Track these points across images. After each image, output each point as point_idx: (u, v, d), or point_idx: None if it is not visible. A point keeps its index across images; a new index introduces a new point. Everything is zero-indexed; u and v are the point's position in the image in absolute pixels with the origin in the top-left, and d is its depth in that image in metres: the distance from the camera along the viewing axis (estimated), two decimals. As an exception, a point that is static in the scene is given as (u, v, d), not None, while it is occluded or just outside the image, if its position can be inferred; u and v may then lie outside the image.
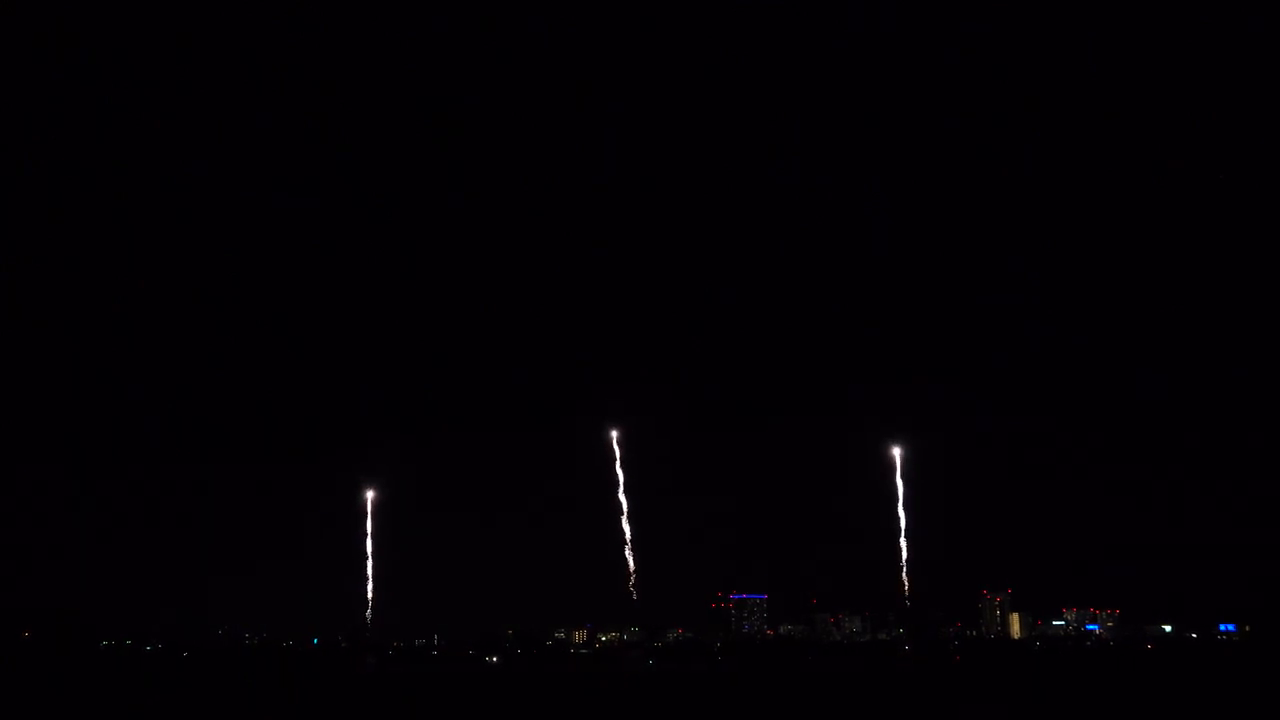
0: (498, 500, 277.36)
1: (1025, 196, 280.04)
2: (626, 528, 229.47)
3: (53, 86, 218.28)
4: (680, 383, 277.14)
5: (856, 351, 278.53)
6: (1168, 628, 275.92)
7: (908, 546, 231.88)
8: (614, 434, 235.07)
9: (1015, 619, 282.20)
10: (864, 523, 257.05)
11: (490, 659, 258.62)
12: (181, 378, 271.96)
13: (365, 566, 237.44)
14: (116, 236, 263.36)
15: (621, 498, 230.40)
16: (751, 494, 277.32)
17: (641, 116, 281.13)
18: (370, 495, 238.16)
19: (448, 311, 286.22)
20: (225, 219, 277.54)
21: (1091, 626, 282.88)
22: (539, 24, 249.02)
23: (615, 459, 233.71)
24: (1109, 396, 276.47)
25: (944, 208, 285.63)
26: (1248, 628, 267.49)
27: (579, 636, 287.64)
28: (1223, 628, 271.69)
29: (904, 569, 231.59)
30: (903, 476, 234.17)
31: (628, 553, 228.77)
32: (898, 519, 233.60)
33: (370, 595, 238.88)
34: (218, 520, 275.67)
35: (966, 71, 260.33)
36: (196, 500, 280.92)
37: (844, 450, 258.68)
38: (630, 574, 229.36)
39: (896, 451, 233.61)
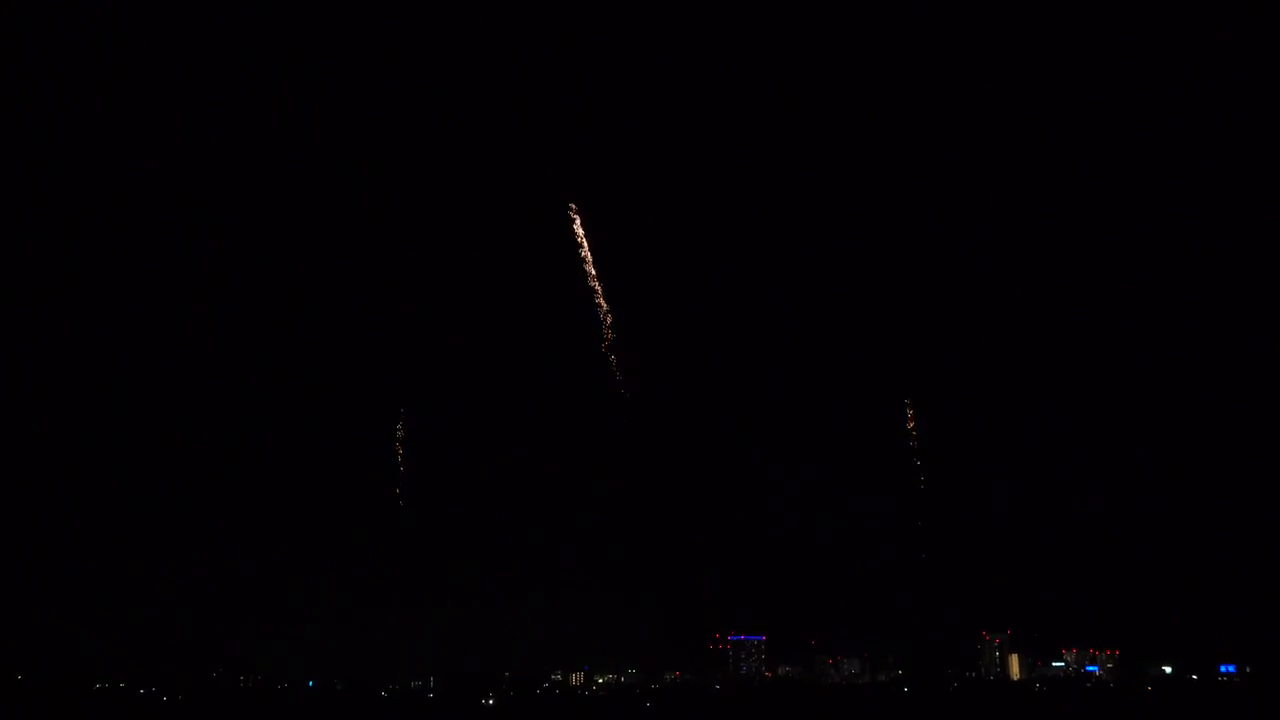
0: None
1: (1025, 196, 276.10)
2: None
3: (53, 86, 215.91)
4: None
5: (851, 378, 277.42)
6: (1168, 668, 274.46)
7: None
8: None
9: (1014, 660, 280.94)
10: (862, 563, 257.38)
11: (487, 701, 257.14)
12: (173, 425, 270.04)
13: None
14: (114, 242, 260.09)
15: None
16: (747, 532, 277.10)
17: (642, 117, 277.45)
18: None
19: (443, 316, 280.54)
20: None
21: (1091, 668, 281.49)
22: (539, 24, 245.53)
23: None
24: (1107, 432, 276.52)
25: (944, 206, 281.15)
26: (1248, 668, 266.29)
27: (576, 679, 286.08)
28: (1223, 669, 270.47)
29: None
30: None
31: None
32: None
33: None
34: (213, 561, 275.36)
35: (967, 71, 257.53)
36: (189, 542, 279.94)
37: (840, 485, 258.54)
38: None
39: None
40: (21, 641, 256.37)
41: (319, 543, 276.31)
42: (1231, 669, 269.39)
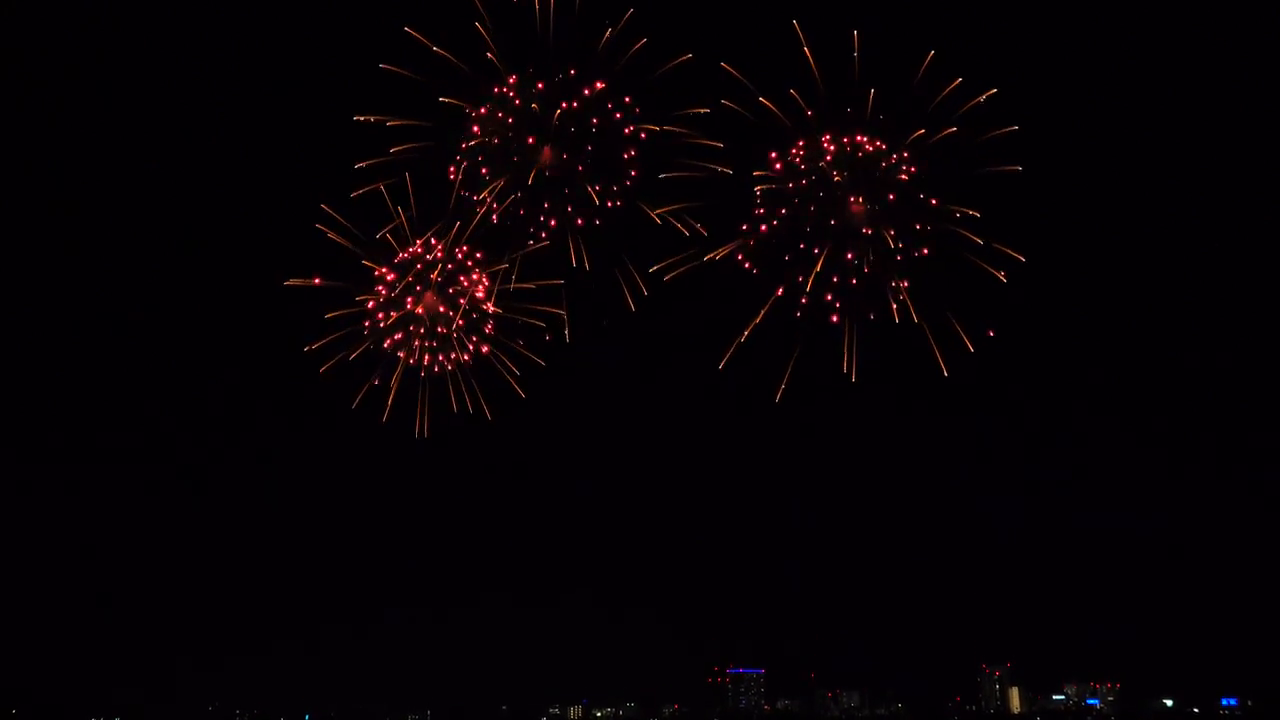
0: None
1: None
2: None
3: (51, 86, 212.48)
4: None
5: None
6: (1169, 701, 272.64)
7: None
8: None
9: (1015, 693, 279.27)
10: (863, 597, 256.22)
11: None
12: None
13: None
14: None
15: None
16: (747, 567, 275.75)
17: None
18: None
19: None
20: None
21: (1092, 701, 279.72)
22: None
23: None
24: (1104, 468, 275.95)
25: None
26: (1250, 702, 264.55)
27: (574, 713, 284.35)
28: (1225, 702, 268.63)
29: None
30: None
31: None
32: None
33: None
34: (208, 592, 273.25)
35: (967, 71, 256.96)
36: (184, 571, 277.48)
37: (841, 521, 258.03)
38: None
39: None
40: (14, 676, 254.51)
41: (313, 573, 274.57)
42: (1233, 702, 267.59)
